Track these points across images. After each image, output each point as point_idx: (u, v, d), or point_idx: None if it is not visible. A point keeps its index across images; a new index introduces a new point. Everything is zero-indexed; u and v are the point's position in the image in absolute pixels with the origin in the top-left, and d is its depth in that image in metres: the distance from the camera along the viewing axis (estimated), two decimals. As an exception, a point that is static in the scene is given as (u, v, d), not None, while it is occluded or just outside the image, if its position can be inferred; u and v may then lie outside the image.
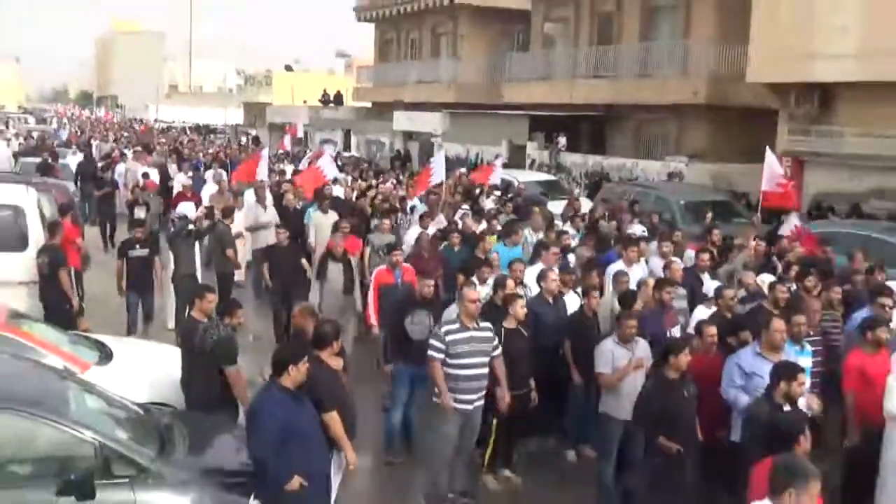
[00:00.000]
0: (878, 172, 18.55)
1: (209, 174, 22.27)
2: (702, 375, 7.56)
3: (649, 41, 27.14)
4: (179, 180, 21.61)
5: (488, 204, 17.08)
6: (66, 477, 5.78)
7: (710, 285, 10.53)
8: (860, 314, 9.09)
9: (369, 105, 46.81)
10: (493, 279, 9.77)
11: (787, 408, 6.48)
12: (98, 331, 10.44)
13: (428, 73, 39.23)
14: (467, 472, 8.54)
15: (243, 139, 49.06)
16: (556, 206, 17.50)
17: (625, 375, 8.02)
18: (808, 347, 8.25)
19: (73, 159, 27.87)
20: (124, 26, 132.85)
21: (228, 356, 7.80)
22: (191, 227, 13.56)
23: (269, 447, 6.06)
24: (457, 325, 8.02)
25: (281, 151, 35.90)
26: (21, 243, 11.62)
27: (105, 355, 8.85)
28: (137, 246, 12.43)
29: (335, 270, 11.47)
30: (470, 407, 8.02)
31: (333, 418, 6.69)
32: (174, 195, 19.91)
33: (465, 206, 16.02)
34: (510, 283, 9.37)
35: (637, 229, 14.19)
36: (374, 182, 21.82)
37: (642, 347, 8.26)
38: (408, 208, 16.37)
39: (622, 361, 8.07)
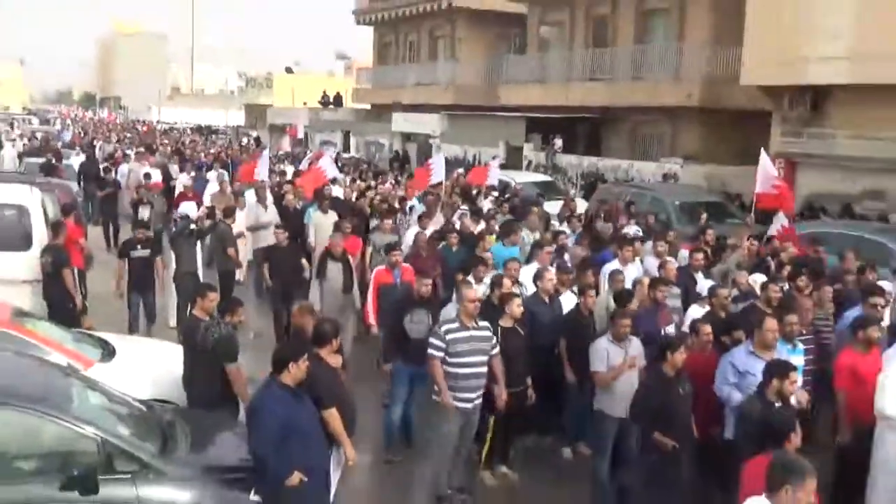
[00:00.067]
0: (869, 174, 18.59)
1: (211, 174, 22.27)
2: (697, 373, 7.56)
3: (644, 44, 27.16)
4: (181, 181, 21.60)
5: (486, 205, 17.08)
6: (69, 472, 5.78)
7: (703, 285, 10.55)
8: (851, 313, 9.09)
9: (368, 107, 46.82)
10: (490, 278, 9.79)
11: (778, 405, 6.49)
12: (101, 329, 10.43)
13: (426, 76, 39.26)
14: (465, 469, 8.54)
15: (244, 140, 49.08)
16: (552, 207, 17.51)
17: (620, 374, 8.02)
18: (800, 346, 8.26)
19: (76, 160, 27.87)
20: (125, 28, 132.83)
21: (229, 354, 7.80)
22: (192, 226, 13.57)
23: (269, 443, 6.07)
24: (457, 325, 8.02)
25: (281, 152, 35.93)
26: (25, 243, 11.61)
27: (108, 353, 8.85)
28: (139, 246, 12.42)
29: (334, 270, 11.47)
30: (469, 405, 8.03)
31: (333, 415, 6.69)
32: (176, 195, 19.90)
33: (464, 207, 16.01)
34: (507, 281, 9.38)
35: (632, 230, 14.20)
36: (372, 183, 21.83)
37: (635, 346, 8.27)
38: (407, 208, 16.38)
39: (617, 360, 8.07)
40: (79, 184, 22.85)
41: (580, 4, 30.15)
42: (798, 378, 7.07)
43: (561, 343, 9.15)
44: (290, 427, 6.11)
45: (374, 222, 14.64)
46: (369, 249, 13.45)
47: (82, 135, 49.05)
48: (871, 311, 8.84)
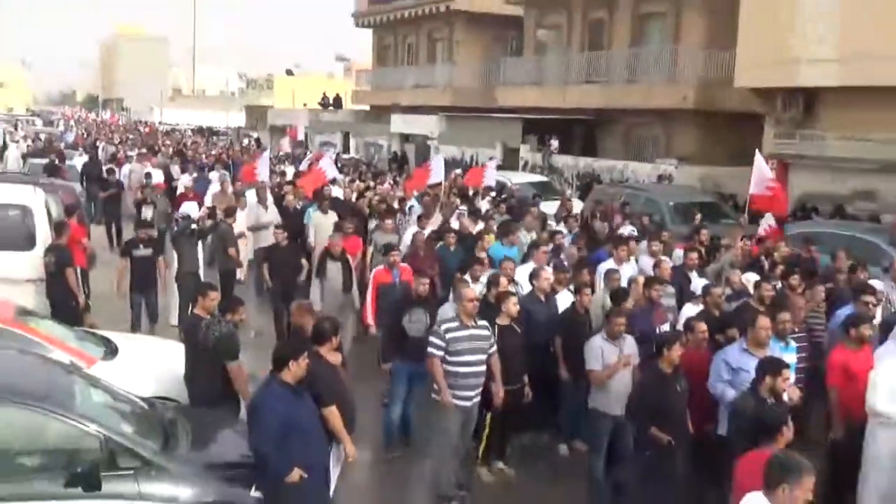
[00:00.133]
0: (860, 175, 18.61)
1: (213, 175, 22.26)
2: (691, 370, 7.58)
3: (640, 47, 27.16)
4: (183, 181, 21.59)
5: (484, 205, 17.07)
6: (72, 469, 5.79)
7: (697, 284, 10.57)
8: (843, 311, 9.11)
9: (368, 108, 46.82)
10: (487, 277, 9.79)
11: (771, 402, 6.50)
12: (104, 327, 10.43)
13: (424, 78, 39.27)
14: (462, 465, 8.54)
15: (245, 141, 49.07)
16: (549, 207, 17.53)
17: (615, 372, 8.02)
18: (793, 344, 8.28)
19: (79, 161, 27.83)
20: (127, 30, 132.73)
21: (230, 352, 7.79)
22: (194, 226, 13.56)
23: (269, 441, 6.06)
24: (456, 324, 8.02)
25: (282, 153, 35.92)
26: (29, 242, 11.60)
27: (110, 351, 8.84)
28: (141, 246, 12.39)
29: (334, 269, 11.47)
30: (469, 403, 8.03)
31: (332, 412, 6.69)
32: (178, 195, 19.89)
33: (462, 207, 16.01)
34: (503, 280, 9.38)
35: (627, 230, 14.22)
36: (371, 183, 21.83)
37: (630, 344, 8.27)
38: (407, 208, 16.37)
39: (611, 358, 8.07)
40: (82, 184, 22.84)
41: (577, 8, 30.15)
42: (790, 375, 7.08)
43: (556, 341, 9.15)
44: (290, 424, 6.11)
45: (373, 223, 14.63)
46: (370, 249, 13.44)
47: (85, 136, 48.98)
48: (862, 310, 8.87)
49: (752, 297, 9.46)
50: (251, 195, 16.72)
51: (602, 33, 29.09)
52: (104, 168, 24.55)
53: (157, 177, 22.86)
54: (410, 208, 16.25)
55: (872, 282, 10.33)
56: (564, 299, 9.74)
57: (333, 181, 19.28)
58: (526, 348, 8.71)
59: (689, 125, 25.51)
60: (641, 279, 9.95)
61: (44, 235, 11.65)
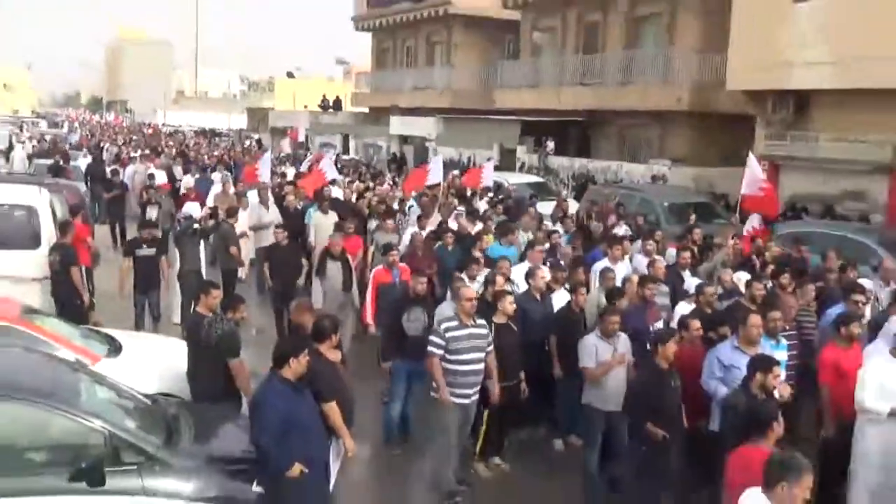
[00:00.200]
0: (851, 175, 18.63)
1: (215, 176, 22.25)
2: (685, 367, 7.59)
3: (634, 50, 27.17)
4: (186, 182, 21.59)
5: (482, 206, 17.08)
6: (77, 464, 5.79)
7: (690, 282, 10.59)
8: (833, 310, 9.12)
9: (367, 110, 46.81)
10: (484, 276, 9.80)
11: (762, 398, 6.52)
12: (108, 325, 10.43)
13: (423, 80, 39.27)
14: (461, 461, 8.55)
15: (247, 143, 49.04)
16: (544, 207, 17.54)
17: (609, 369, 8.03)
18: (784, 342, 8.28)
19: (83, 161, 27.84)
20: (131, 34, 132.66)
21: (232, 349, 7.81)
22: (196, 226, 13.57)
23: (270, 436, 6.07)
24: (456, 323, 8.03)
25: (283, 154, 35.91)
26: (34, 242, 11.61)
27: (115, 348, 8.85)
28: (144, 245, 12.38)
29: (334, 269, 11.48)
30: (468, 401, 8.05)
31: (332, 408, 6.70)
32: (181, 196, 19.90)
33: (460, 208, 16.02)
34: (499, 279, 9.39)
35: (621, 229, 14.23)
36: (370, 184, 21.83)
37: (623, 342, 8.28)
38: (406, 209, 16.38)
39: (605, 356, 8.08)
40: (86, 184, 22.80)
41: (572, 11, 30.14)
42: (781, 372, 7.09)
43: (551, 339, 9.16)
44: (290, 420, 6.12)
45: (372, 223, 14.64)
46: (371, 249, 13.44)
47: (89, 137, 49.00)
48: (852, 308, 8.88)
49: (744, 296, 9.47)
50: (253, 195, 16.74)
51: (597, 36, 29.08)
52: (109, 169, 24.56)
53: (161, 178, 22.85)
54: (410, 209, 16.25)
55: (862, 281, 10.34)
56: (560, 298, 9.75)
57: (333, 182, 19.28)
58: (522, 346, 8.73)
59: (682, 127, 25.51)
60: (636, 278, 9.96)
61: (49, 235, 11.65)
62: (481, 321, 8.19)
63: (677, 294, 10.29)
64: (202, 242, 13.42)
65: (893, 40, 16.14)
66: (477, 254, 11.19)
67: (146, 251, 12.32)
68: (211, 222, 13.92)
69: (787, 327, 8.61)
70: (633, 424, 7.44)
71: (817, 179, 19.34)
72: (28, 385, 6.27)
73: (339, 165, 27.51)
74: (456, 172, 23.66)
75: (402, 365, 9.07)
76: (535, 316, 9.27)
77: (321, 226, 14.42)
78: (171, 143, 43.87)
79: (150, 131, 60.55)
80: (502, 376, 8.37)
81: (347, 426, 6.86)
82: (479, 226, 13.84)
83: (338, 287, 11.40)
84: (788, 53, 18.63)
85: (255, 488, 6.27)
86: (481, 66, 35.94)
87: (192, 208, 15.85)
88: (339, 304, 11.29)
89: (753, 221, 14.19)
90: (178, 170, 25.73)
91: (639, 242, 12.57)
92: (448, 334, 7.92)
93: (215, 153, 36.03)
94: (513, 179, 23.42)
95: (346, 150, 42.21)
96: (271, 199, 16.52)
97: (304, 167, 25.60)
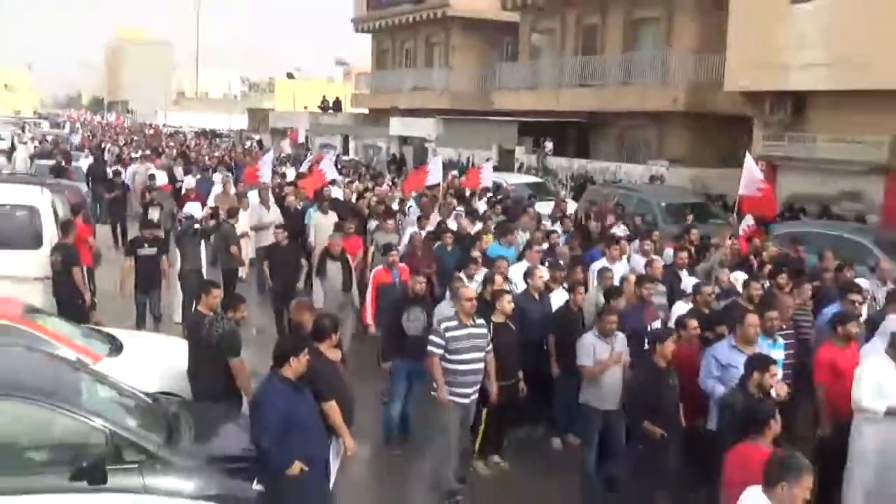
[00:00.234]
0: (847, 176, 18.64)
1: (216, 176, 22.25)
2: (682, 366, 7.59)
3: (632, 52, 27.19)
4: (187, 182, 21.59)
5: (481, 206, 17.07)
6: (78, 463, 5.78)
7: (687, 282, 10.58)
8: (830, 310, 9.11)
9: (367, 111, 46.79)
10: (482, 276, 9.80)
11: (759, 397, 6.52)
12: (109, 325, 10.43)
13: (422, 81, 39.27)
14: (461, 459, 8.55)
15: (247, 143, 49.03)
16: (543, 208, 17.53)
17: (606, 368, 8.03)
18: (781, 341, 8.28)
19: (85, 162, 27.86)
20: (131, 34, 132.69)
21: (233, 348, 7.80)
22: (196, 226, 13.56)
23: (271, 435, 6.07)
24: (455, 322, 8.02)
25: (283, 154, 35.90)
26: (36, 241, 11.60)
27: (116, 348, 8.85)
28: (146, 245, 12.37)
29: (334, 269, 11.47)
30: (468, 400, 8.05)
31: (332, 407, 6.69)
32: (182, 196, 19.89)
33: (459, 208, 16.02)
34: (498, 278, 9.39)
35: (619, 229, 14.23)
36: (370, 184, 21.82)
37: (621, 342, 8.28)
38: (406, 209, 16.37)
39: (603, 355, 8.07)
40: (87, 185, 22.80)
41: (571, 13, 30.15)
42: (778, 372, 7.09)
43: (549, 338, 9.16)
44: (290, 419, 6.12)
45: (372, 223, 14.63)
46: (371, 248, 13.44)
47: (91, 138, 48.96)
48: (849, 308, 8.87)
49: (741, 296, 9.47)
50: (254, 196, 16.74)
51: (595, 38, 29.09)
52: (111, 170, 24.54)
53: (161, 178, 22.84)
54: (409, 209, 16.25)
55: (858, 280, 10.35)
56: (559, 297, 9.75)
57: (333, 182, 19.28)
58: (520, 345, 8.72)
59: (679, 128, 25.54)
60: (633, 278, 9.96)
61: (50, 235, 11.65)
62: (480, 321, 8.19)
63: (674, 294, 10.29)
64: (203, 242, 13.42)
65: (890, 42, 16.17)
66: (475, 254, 11.18)
67: (147, 251, 12.30)
68: (212, 222, 13.92)
69: (784, 327, 8.60)
70: (631, 423, 7.44)
71: (814, 180, 19.35)
72: (30, 384, 6.27)
73: (339, 166, 27.51)
74: (455, 173, 23.65)
75: (401, 365, 9.06)
76: (534, 315, 9.27)
77: (321, 226, 14.41)
78: (171, 143, 43.85)
79: (151, 132, 60.54)
80: (501, 375, 8.37)
81: (347, 425, 6.86)
82: (479, 226, 13.84)
83: (338, 287, 11.39)
84: (786, 55, 18.64)
85: (256, 487, 6.27)
86: (480, 67, 35.95)
87: (193, 208, 15.84)
88: (339, 303, 11.28)
89: (748, 221, 14.20)
90: (178, 170, 25.72)
91: (636, 242, 12.57)
92: (448, 334, 7.92)
93: (216, 154, 36.02)
94: (511, 180, 23.42)
95: (346, 151, 42.20)
96: (272, 200, 16.51)
97: (304, 168, 25.59)
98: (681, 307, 9.49)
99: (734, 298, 9.56)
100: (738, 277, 10.39)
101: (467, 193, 18.93)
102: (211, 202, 17.14)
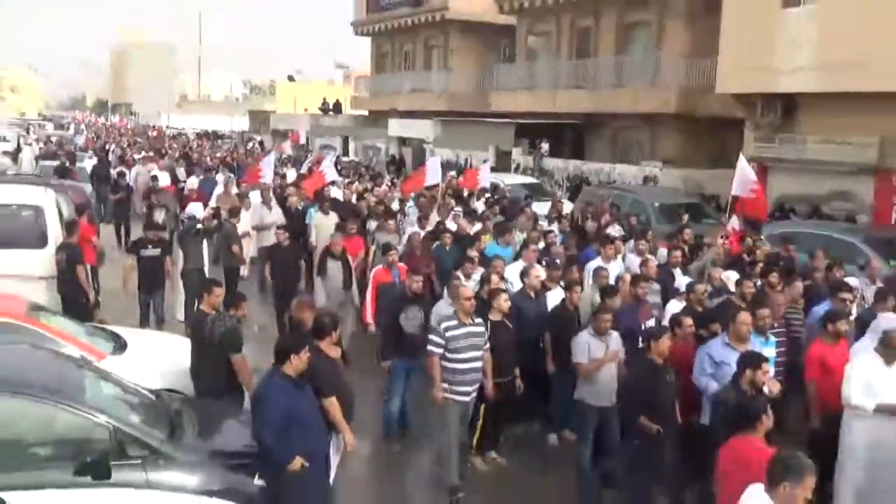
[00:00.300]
0: (837, 177, 18.65)
1: (218, 177, 22.21)
2: (677, 363, 7.59)
3: (625, 54, 27.20)
4: (189, 183, 21.56)
5: (479, 206, 17.06)
6: (83, 458, 5.77)
7: (681, 281, 10.58)
8: (820, 308, 9.13)
9: (366, 113, 46.78)
10: (479, 275, 9.79)
11: (751, 393, 6.52)
12: (113, 323, 10.42)
13: (421, 84, 39.26)
14: (459, 456, 8.53)
15: (249, 144, 48.96)
16: (539, 208, 17.52)
17: (601, 365, 8.02)
18: (772, 339, 8.28)
19: (89, 163, 27.80)
20: (133, 36, 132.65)
21: (235, 346, 7.80)
22: (199, 226, 13.54)
23: (272, 431, 6.07)
24: (455, 322, 8.02)
25: (284, 155, 35.86)
26: (41, 241, 11.58)
27: (119, 345, 8.83)
28: (150, 246, 12.35)
29: (334, 268, 11.46)
30: (468, 398, 8.06)
31: (332, 403, 6.69)
32: (185, 196, 19.86)
33: (458, 208, 16.01)
34: (494, 277, 9.38)
35: (614, 229, 14.22)
36: (369, 185, 21.80)
37: (615, 340, 8.27)
38: (406, 209, 16.35)
39: (598, 353, 8.07)
40: (91, 185, 22.77)
41: (565, 17, 30.15)
42: (770, 369, 7.09)
43: (545, 336, 9.15)
44: (291, 415, 6.12)
45: (373, 223, 14.61)
46: (372, 248, 13.42)
47: (95, 139, 48.86)
48: (839, 306, 8.88)
49: (734, 294, 9.47)
50: (255, 196, 16.71)
51: (589, 41, 29.11)
52: (114, 171, 24.51)
53: (164, 179, 22.81)
54: (409, 209, 16.23)
55: (848, 279, 10.35)
56: (555, 296, 9.74)
57: (333, 183, 19.27)
58: (517, 343, 8.72)
59: (672, 129, 25.54)
60: (628, 277, 9.96)
61: (55, 234, 11.63)
62: (478, 320, 8.19)
63: (668, 292, 10.29)
64: (205, 242, 13.39)
65: (879, 45, 16.17)
66: (472, 253, 11.17)
67: (151, 252, 12.28)
68: (214, 222, 13.90)
69: (776, 324, 8.61)
70: (627, 419, 7.43)
71: (805, 180, 19.35)
72: (35, 381, 6.26)
73: (339, 167, 27.48)
74: (453, 174, 23.63)
75: (400, 364, 9.06)
76: (530, 314, 9.26)
77: (322, 226, 14.40)
78: (174, 145, 43.77)
79: (155, 134, 60.42)
80: (498, 372, 8.37)
81: (347, 421, 6.86)
82: (478, 226, 13.83)
83: (338, 286, 11.38)
84: (777, 58, 18.64)
85: (257, 482, 6.27)
86: (478, 69, 35.97)
87: (195, 209, 15.83)
88: (340, 302, 11.26)
89: (734, 222, 14.20)
90: (181, 171, 25.70)
91: (631, 242, 12.57)
92: (448, 333, 7.91)
93: (218, 155, 35.96)
94: (508, 180, 23.39)
95: (345, 152, 42.15)
96: (274, 200, 16.49)
97: (304, 169, 25.56)
98: (675, 305, 9.49)
99: (727, 297, 9.56)
100: (731, 276, 10.39)
101: (465, 194, 18.92)
102: (213, 202, 17.12)
